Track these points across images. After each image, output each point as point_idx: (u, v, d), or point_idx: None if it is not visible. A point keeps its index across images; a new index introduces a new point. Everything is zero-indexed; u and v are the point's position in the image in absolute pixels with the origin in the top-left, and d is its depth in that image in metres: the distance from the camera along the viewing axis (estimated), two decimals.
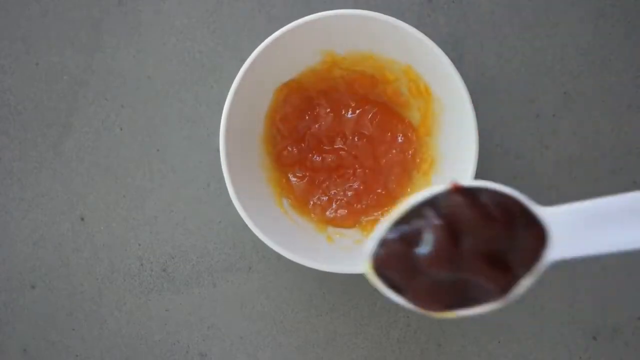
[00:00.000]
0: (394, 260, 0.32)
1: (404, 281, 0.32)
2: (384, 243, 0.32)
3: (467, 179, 0.43)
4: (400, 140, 0.48)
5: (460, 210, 0.32)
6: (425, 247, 0.32)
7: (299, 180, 0.48)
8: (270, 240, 0.43)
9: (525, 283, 0.32)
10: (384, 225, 0.32)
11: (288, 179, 0.48)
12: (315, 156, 0.48)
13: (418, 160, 0.48)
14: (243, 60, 0.44)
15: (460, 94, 0.43)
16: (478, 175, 0.43)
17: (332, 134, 0.48)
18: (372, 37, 0.45)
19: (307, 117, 0.49)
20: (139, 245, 0.50)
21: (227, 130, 0.44)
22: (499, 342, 0.50)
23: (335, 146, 0.49)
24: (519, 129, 0.50)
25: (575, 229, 0.31)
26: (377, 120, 0.48)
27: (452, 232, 0.31)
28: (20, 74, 0.51)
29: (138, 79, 0.50)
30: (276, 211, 0.46)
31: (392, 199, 0.48)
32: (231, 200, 0.43)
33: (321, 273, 0.44)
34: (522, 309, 0.49)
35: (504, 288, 0.32)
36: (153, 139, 0.50)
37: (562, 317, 0.49)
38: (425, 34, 0.43)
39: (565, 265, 0.49)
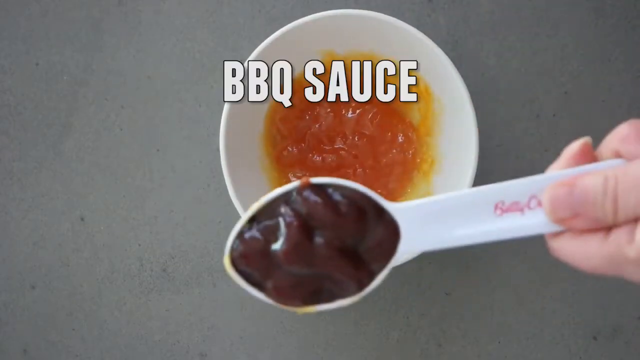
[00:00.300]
0: (251, 256, 0.33)
1: (262, 277, 0.33)
2: (241, 239, 0.33)
3: (467, 180, 0.43)
4: (400, 140, 0.48)
5: (312, 206, 0.33)
6: (279, 244, 0.32)
7: (299, 180, 0.48)
8: None
9: (379, 277, 0.33)
10: (240, 221, 0.33)
11: (288, 179, 0.48)
12: (315, 156, 0.48)
13: (418, 160, 0.48)
14: (243, 61, 0.44)
15: (460, 94, 0.43)
16: (478, 175, 0.43)
17: (333, 133, 0.48)
18: (372, 37, 0.45)
19: (307, 117, 0.48)
20: (139, 245, 0.50)
21: (227, 130, 0.44)
22: (499, 342, 0.50)
23: (335, 146, 0.49)
24: (519, 129, 0.50)
25: (422, 224, 0.32)
26: (377, 120, 0.48)
27: (304, 228, 0.32)
28: (20, 74, 0.51)
29: (138, 79, 0.50)
30: None
31: (392, 199, 0.48)
32: (231, 200, 0.43)
33: None
34: (522, 309, 0.49)
35: (360, 281, 0.33)
36: (153, 139, 0.50)
37: (562, 317, 0.49)
38: (425, 34, 0.43)
39: (565, 266, 0.49)
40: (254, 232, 0.33)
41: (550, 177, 0.30)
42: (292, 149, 0.48)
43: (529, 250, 0.49)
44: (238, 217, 0.43)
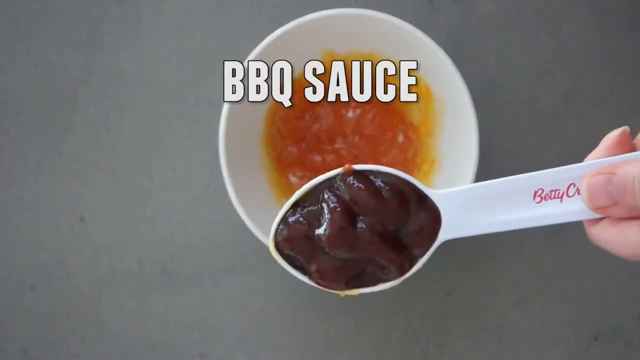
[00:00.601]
0: (295, 240, 0.34)
1: (306, 261, 0.34)
2: (285, 224, 0.34)
3: (468, 180, 0.43)
4: (400, 140, 0.48)
5: (355, 192, 0.34)
6: (323, 228, 0.34)
7: (299, 180, 0.48)
8: (270, 240, 0.43)
9: (421, 261, 0.34)
10: (284, 207, 0.34)
11: (288, 179, 0.48)
12: (315, 156, 0.48)
13: (419, 160, 0.48)
14: (243, 60, 0.44)
15: (461, 94, 0.43)
16: (479, 175, 0.43)
17: (333, 133, 0.48)
18: (373, 37, 0.45)
19: (307, 117, 0.48)
20: (139, 245, 0.50)
21: (227, 130, 0.44)
22: (500, 342, 0.49)
23: (335, 146, 0.49)
24: (519, 128, 0.50)
25: (462, 210, 0.33)
26: (377, 120, 0.48)
27: (348, 213, 0.33)
28: (19, 74, 0.51)
29: (138, 79, 0.50)
30: (276, 212, 0.46)
31: None
32: (231, 200, 0.43)
33: None
34: (522, 309, 0.49)
35: (402, 266, 0.34)
36: (153, 139, 0.50)
37: (563, 317, 0.49)
38: (426, 33, 0.43)
39: (566, 266, 0.49)
40: (298, 217, 0.34)
41: (589, 165, 0.31)
42: (292, 149, 0.48)
43: (530, 250, 0.49)
44: (238, 217, 0.43)
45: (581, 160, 0.51)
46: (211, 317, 0.50)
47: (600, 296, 0.49)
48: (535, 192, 0.31)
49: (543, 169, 0.49)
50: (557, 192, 0.31)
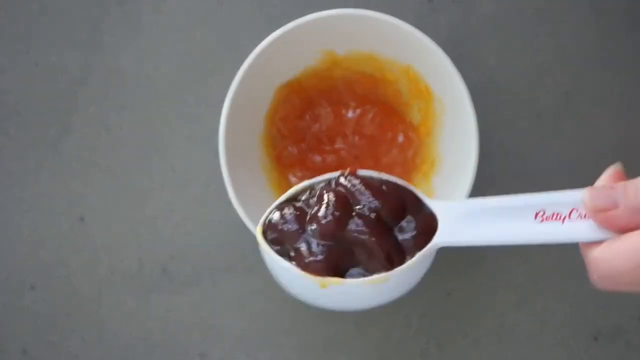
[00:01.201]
0: (284, 226, 0.34)
1: (292, 246, 0.34)
2: (277, 210, 0.34)
3: (468, 180, 0.43)
4: (400, 141, 0.48)
5: (354, 184, 0.34)
6: (316, 212, 0.33)
7: (299, 180, 0.48)
8: None
9: (411, 261, 0.33)
10: (279, 199, 0.35)
11: (288, 180, 0.48)
12: (315, 156, 0.48)
13: (418, 160, 0.48)
14: (243, 60, 0.44)
15: (460, 94, 0.43)
16: (479, 175, 0.43)
17: (333, 133, 0.48)
18: (373, 37, 0.45)
19: (307, 117, 0.48)
20: (139, 245, 0.50)
21: (227, 130, 0.44)
22: (500, 342, 0.49)
23: (335, 146, 0.49)
24: (519, 129, 0.50)
25: (461, 221, 0.33)
26: (377, 120, 0.48)
27: (344, 200, 0.33)
28: (19, 74, 0.51)
29: (138, 79, 0.50)
30: None
31: None
32: (231, 201, 0.43)
33: None
34: (522, 309, 0.49)
35: (390, 256, 0.33)
36: (153, 139, 0.50)
37: (563, 317, 0.49)
38: (425, 34, 0.43)
39: (565, 266, 0.49)
40: (290, 208, 0.34)
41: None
42: (292, 149, 0.48)
43: (530, 250, 0.49)
44: (238, 217, 0.43)
45: (582, 160, 0.51)
46: (211, 317, 0.50)
47: (600, 296, 0.49)
48: (537, 213, 0.31)
49: (543, 168, 0.49)
50: (559, 215, 0.30)
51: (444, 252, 0.45)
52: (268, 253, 0.34)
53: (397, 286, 0.35)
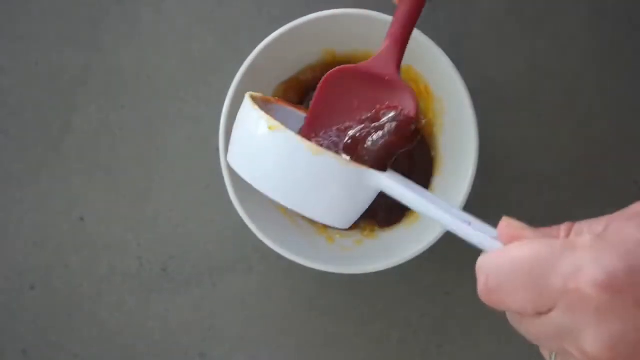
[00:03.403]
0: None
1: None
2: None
3: (468, 180, 0.43)
4: None
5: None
6: None
7: None
8: (270, 240, 0.43)
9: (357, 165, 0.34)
10: None
11: None
12: None
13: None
14: (243, 60, 0.44)
15: (460, 94, 0.43)
16: (478, 175, 0.43)
17: None
18: (372, 37, 0.45)
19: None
20: (139, 245, 0.50)
21: (227, 130, 0.44)
22: (499, 342, 0.49)
23: None
24: (519, 129, 0.50)
25: (403, 182, 0.33)
26: None
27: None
28: (20, 73, 0.51)
29: (138, 79, 0.50)
30: (276, 211, 0.46)
31: None
32: (231, 200, 0.43)
33: (321, 273, 0.44)
34: None
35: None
36: (153, 139, 0.50)
37: None
38: (425, 34, 0.43)
39: None
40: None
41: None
42: None
43: None
44: (238, 217, 0.43)
45: (582, 160, 0.51)
46: (211, 317, 0.50)
47: None
48: (464, 221, 0.32)
49: (543, 168, 0.49)
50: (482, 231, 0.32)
51: (444, 252, 0.45)
52: (249, 109, 0.35)
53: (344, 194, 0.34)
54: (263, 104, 0.37)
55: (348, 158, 0.35)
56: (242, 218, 0.43)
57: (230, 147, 0.36)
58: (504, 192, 0.49)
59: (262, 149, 0.34)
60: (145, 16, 0.50)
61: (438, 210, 0.32)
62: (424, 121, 0.47)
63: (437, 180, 0.47)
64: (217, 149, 0.44)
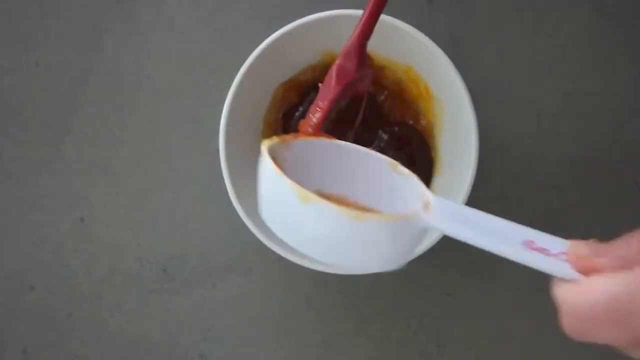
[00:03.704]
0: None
1: None
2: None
3: (468, 180, 0.43)
4: None
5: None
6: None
7: None
8: (270, 240, 0.43)
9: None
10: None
11: None
12: None
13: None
14: (243, 60, 0.44)
15: (460, 94, 0.43)
16: (478, 175, 0.43)
17: None
18: (372, 38, 0.45)
19: (302, 109, 0.48)
20: (139, 245, 0.50)
21: (227, 130, 0.44)
22: (499, 343, 0.49)
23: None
24: (519, 129, 0.50)
25: (450, 214, 0.32)
26: None
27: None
28: (20, 74, 0.51)
29: (138, 79, 0.50)
30: None
31: None
32: (231, 200, 0.43)
33: (321, 274, 0.44)
34: (522, 310, 0.49)
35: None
36: (153, 139, 0.50)
37: None
38: (425, 34, 0.43)
39: None
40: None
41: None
42: None
43: None
44: (238, 217, 0.43)
45: (582, 160, 0.51)
46: (211, 317, 0.50)
47: None
48: (526, 242, 0.31)
49: (543, 169, 0.49)
50: (546, 250, 0.30)
51: (444, 252, 0.45)
52: (271, 173, 0.31)
53: (377, 238, 0.32)
54: (280, 147, 0.35)
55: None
56: (242, 218, 0.43)
57: (261, 206, 0.33)
58: (503, 192, 0.50)
59: (297, 221, 0.31)
60: (145, 16, 0.50)
61: (496, 244, 0.31)
62: (424, 122, 0.47)
63: (437, 180, 0.47)
64: (217, 149, 0.44)
